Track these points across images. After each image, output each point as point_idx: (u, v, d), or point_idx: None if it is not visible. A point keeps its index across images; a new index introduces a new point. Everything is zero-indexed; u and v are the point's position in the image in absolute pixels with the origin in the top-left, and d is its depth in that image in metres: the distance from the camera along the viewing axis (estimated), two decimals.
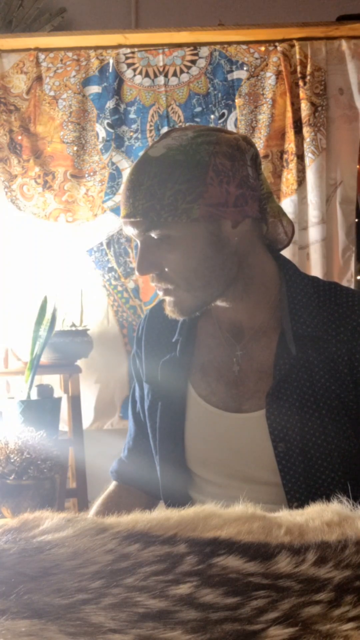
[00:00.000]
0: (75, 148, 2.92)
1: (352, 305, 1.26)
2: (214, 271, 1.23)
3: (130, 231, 1.22)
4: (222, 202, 1.18)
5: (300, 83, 2.85)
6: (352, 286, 2.85)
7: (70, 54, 2.91)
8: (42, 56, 2.90)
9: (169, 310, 1.25)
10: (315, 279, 1.35)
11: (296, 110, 2.86)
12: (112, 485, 1.43)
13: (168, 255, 1.20)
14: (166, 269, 1.21)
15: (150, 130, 2.92)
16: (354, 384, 1.22)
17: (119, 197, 2.91)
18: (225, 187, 1.18)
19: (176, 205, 1.16)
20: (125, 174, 2.91)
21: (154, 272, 1.22)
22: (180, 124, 2.89)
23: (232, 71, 2.90)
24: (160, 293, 1.25)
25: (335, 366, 1.22)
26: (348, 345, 1.23)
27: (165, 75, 2.92)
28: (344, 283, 2.82)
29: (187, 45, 2.92)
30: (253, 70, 2.89)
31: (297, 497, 1.20)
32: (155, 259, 1.20)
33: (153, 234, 1.19)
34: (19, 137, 2.90)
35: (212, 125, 2.86)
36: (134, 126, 2.92)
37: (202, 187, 1.16)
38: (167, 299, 1.24)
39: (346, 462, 1.21)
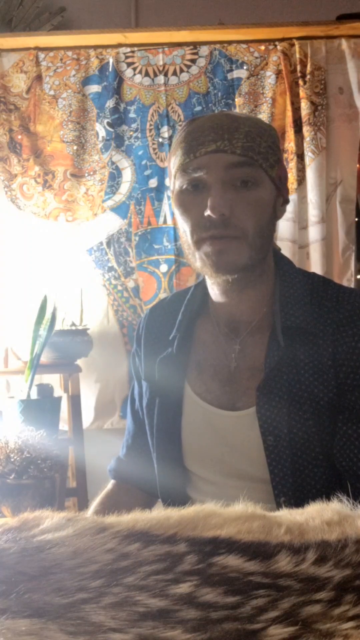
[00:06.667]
0: (75, 147, 2.92)
1: (341, 300, 1.26)
2: (268, 236, 1.25)
3: (212, 165, 1.18)
4: (283, 176, 1.27)
5: (300, 82, 2.85)
6: (352, 285, 2.84)
7: (70, 53, 2.90)
8: (41, 55, 2.90)
9: (209, 265, 1.21)
10: (311, 274, 1.35)
11: (296, 110, 2.85)
12: (110, 484, 1.43)
13: (247, 199, 1.19)
14: (238, 214, 1.18)
15: (150, 130, 2.92)
16: (335, 378, 1.21)
17: (119, 197, 2.95)
18: (283, 165, 1.28)
19: (267, 157, 1.21)
20: (126, 173, 2.91)
21: (228, 212, 1.17)
22: (180, 123, 2.89)
23: (232, 70, 2.90)
24: (208, 250, 1.20)
25: (321, 360, 1.21)
26: (332, 338, 1.22)
27: (165, 75, 2.92)
28: (344, 282, 2.82)
29: (187, 44, 2.92)
30: (253, 69, 2.89)
31: (285, 492, 1.19)
32: (232, 200, 1.18)
33: (241, 172, 1.19)
34: (19, 137, 2.90)
35: None
36: (133, 125, 2.92)
37: (279, 155, 1.25)
38: (222, 248, 1.19)
39: (328, 458, 1.20)
